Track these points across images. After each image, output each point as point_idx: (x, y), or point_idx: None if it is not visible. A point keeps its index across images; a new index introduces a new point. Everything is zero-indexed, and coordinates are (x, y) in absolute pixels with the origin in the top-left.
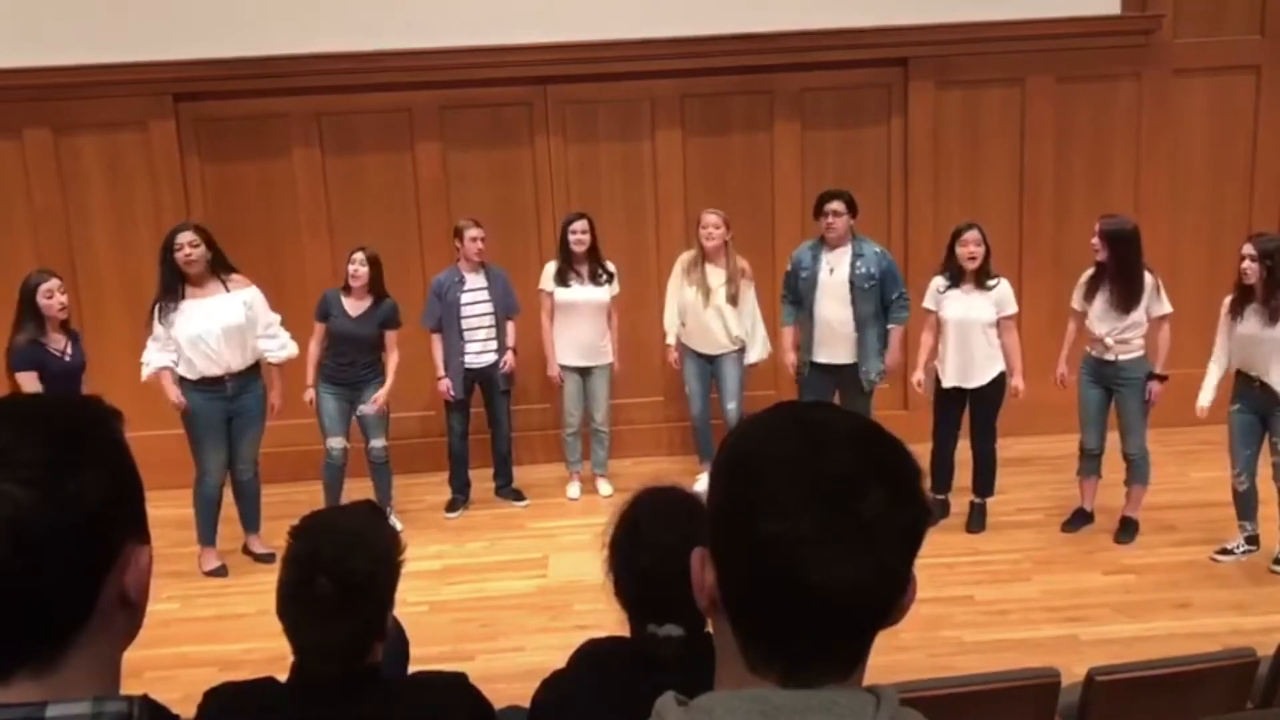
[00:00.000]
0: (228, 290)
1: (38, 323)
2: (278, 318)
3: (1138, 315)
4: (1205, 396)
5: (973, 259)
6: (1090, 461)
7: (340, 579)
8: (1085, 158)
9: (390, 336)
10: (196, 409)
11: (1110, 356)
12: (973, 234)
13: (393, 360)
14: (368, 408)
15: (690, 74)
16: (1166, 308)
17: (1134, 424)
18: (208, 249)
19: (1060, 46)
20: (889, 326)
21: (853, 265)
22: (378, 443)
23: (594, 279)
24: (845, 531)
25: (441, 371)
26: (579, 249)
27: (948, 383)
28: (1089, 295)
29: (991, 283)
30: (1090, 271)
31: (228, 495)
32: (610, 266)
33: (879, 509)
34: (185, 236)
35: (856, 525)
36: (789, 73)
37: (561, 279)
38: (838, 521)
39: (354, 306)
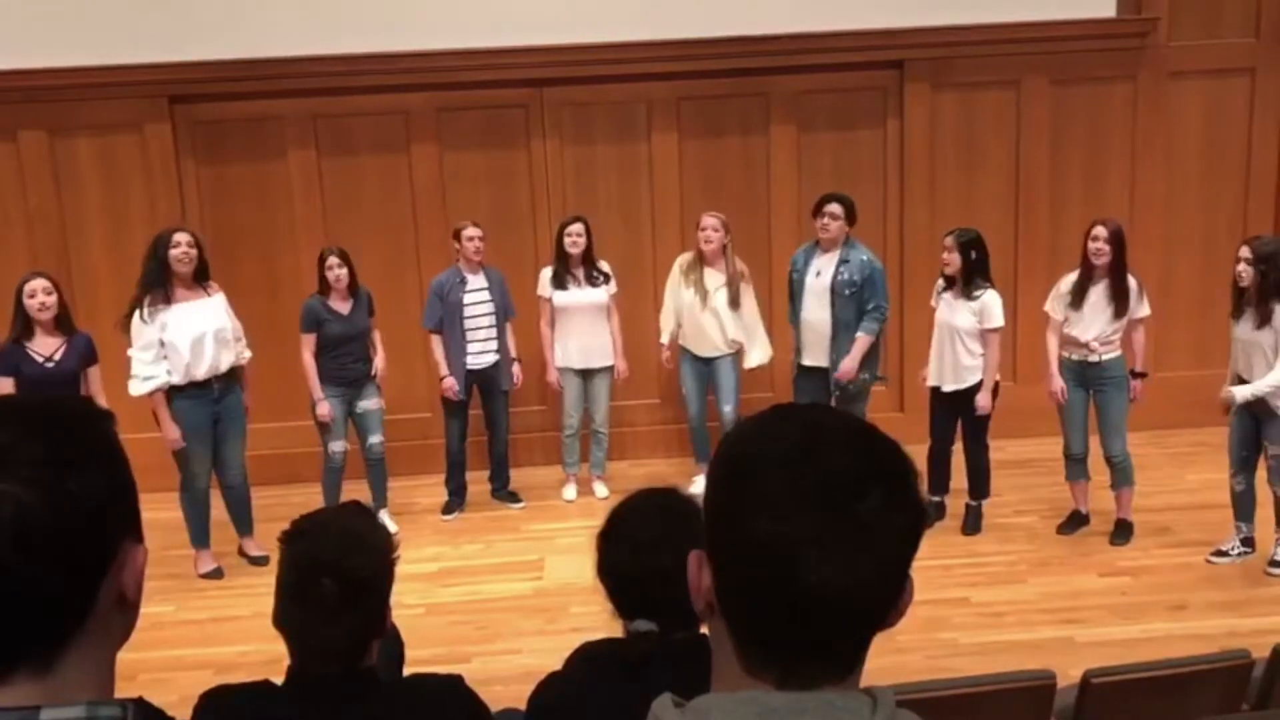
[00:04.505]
0: (209, 295)
1: (25, 324)
2: (240, 324)
3: (1124, 317)
4: (1227, 390)
5: (945, 265)
6: (1076, 465)
7: (342, 578)
8: (1081, 160)
9: (371, 322)
10: (185, 415)
11: (1095, 358)
12: (946, 240)
13: (378, 339)
14: (369, 401)
15: (686, 76)
16: (1147, 310)
17: (1116, 424)
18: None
19: (1056, 49)
20: (856, 334)
21: (836, 270)
22: (376, 438)
23: (590, 281)
24: (843, 533)
25: (445, 371)
26: (574, 251)
27: (930, 381)
28: (1076, 301)
29: (977, 293)
30: (1073, 277)
31: (216, 497)
32: (605, 267)
33: (876, 510)
34: (184, 236)
35: (854, 526)
36: (785, 75)
37: (559, 282)
38: (835, 523)
39: (342, 306)
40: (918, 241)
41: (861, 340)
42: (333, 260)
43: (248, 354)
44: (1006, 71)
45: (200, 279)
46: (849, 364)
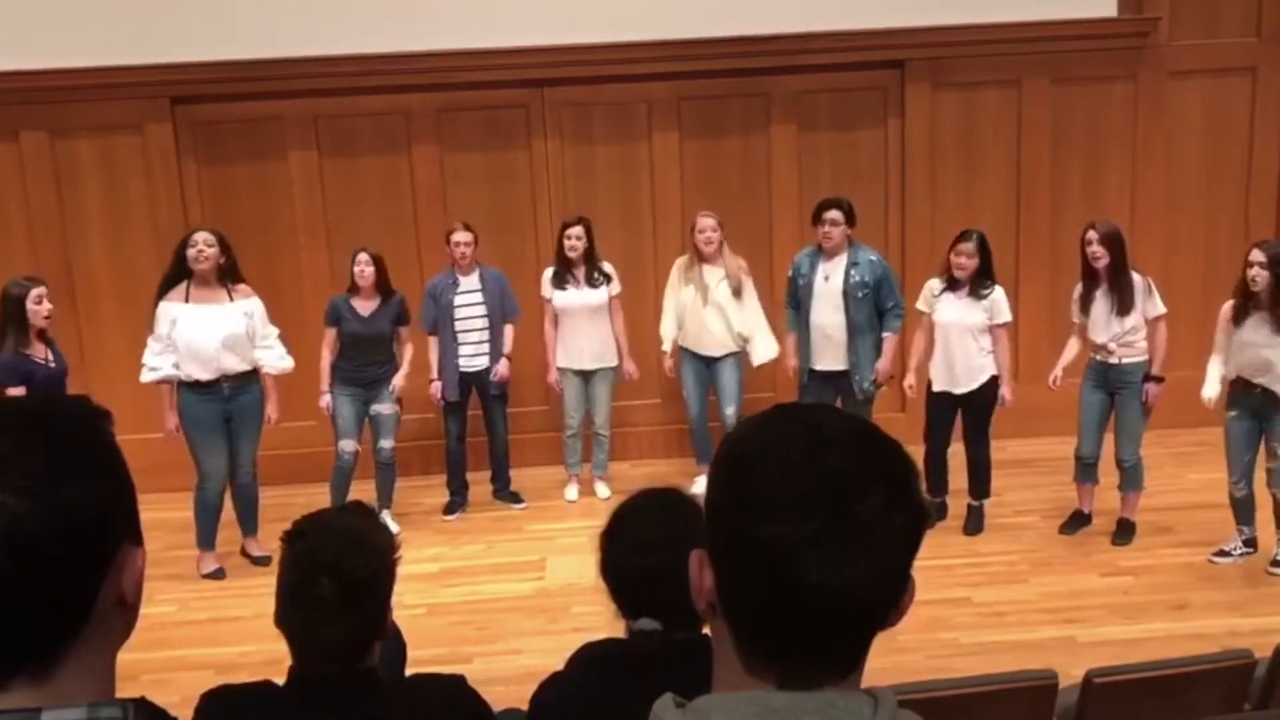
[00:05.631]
0: (232, 299)
1: (22, 333)
2: (276, 330)
3: (1137, 317)
4: (1210, 388)
5: (962, 269)
6: (1087, 470)
7: (342, 578)
8: (1081, 160)
9: (403, 331)
10: (192, 411)
11: (1114, 360)
12: (967, 246)
13: (407, 351)
14: (383, 406)
15: (686, 76)
16: (1160, 307)
17: (1133, 429)
18: (221, 253)
19: (1056, 49)
20: (884, 335)
21: (847, 273)
22: (387, 443)
23: (590, 282)
24: (844, 533)
25: (435, 375)
26: (573, 254)
27: (937, 386)
28: (1085, 306)
29: (985, 290)
30: (1079, 286)
31: (228, 500)
32: (608, 268)
33: (878, 510)
34: (201, 235)
35: (856, 527)
36: (785, 75)
37: (559, 283)
38: (837, 523)
39: (364, 307)
40: (918, 241)
41: (891, 340)
42: (362, 257)
43: (284, 363)
44: (1007, 71)
45: (227, 279)
46: (885, 365)
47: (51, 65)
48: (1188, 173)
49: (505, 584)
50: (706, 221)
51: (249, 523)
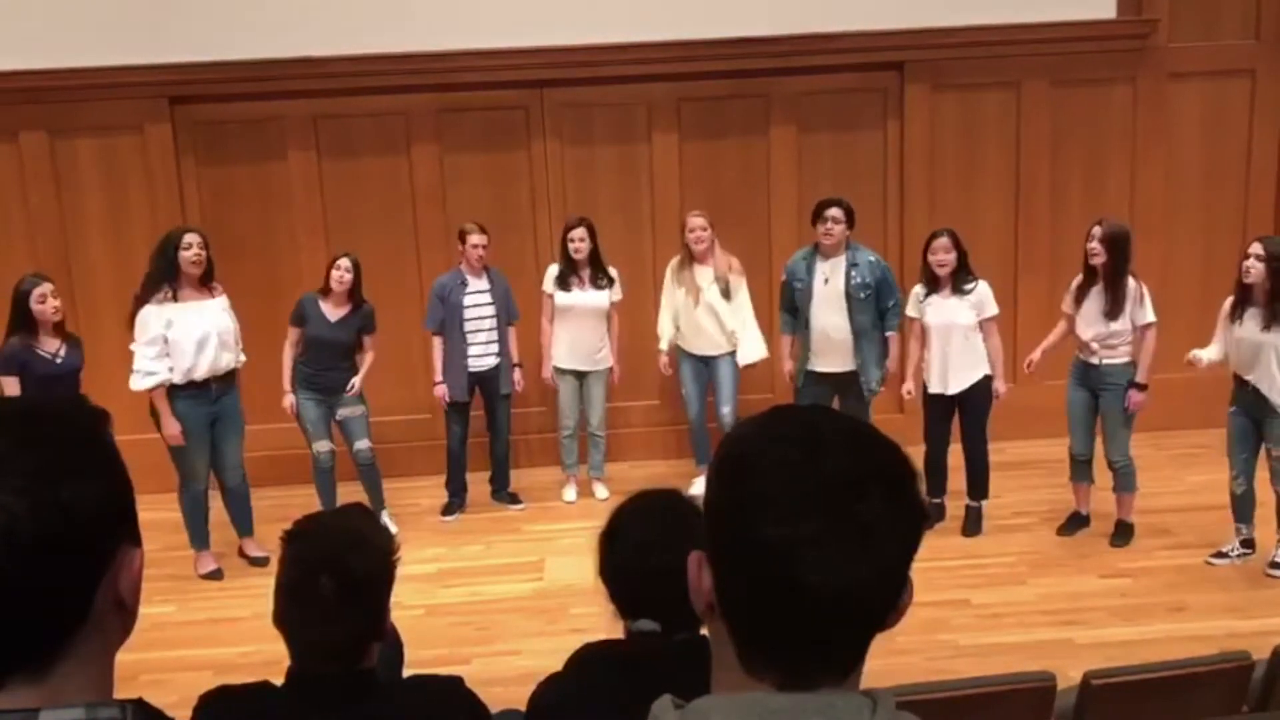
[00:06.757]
0: (213, 296)
1: (30, 327)
2: (238, 327)
3: (1124, 322)
4: (1204, 353)
5: (942, 266)
6: (1080, 467)
7: (341, 577)
8: (1080, 161)
9: (367, 340)
10: (183, 415)
11: (1095, 360)
12: (942, 241)
13: (367, 359)
14: (347, 409)
15: (686, 78)
16: (1149, 316)
17: (1116, 430)
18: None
19: (1056, 50)
20: (887, 334)
21: (848, 275)
22: (362, 444)
23: (595, 283)
24: (844, 534)
25: (439, 376)
26: (578, 256)
27: (932, 389)
28: (1078, 300)
29: (969, 286)
30: (1078, 278)
31: (215, 498)
32: (612, 272)
33: (878, 511)
34: (195, 238)
35: (856, 527)
36: (785, 77)
37: (562, 282)
38: (837, 524)
39: (332, 312)
40: (917, 242)
41: (896, 339)
42: (343, 263)
43: (243, 358)
44: (1006, 73)
45: (206, 280)
46: (895, 365)
47: (51, 65)
48: (1187, 174)
49: (504, 585)
50: (696, 221)
51: (244, 523)
